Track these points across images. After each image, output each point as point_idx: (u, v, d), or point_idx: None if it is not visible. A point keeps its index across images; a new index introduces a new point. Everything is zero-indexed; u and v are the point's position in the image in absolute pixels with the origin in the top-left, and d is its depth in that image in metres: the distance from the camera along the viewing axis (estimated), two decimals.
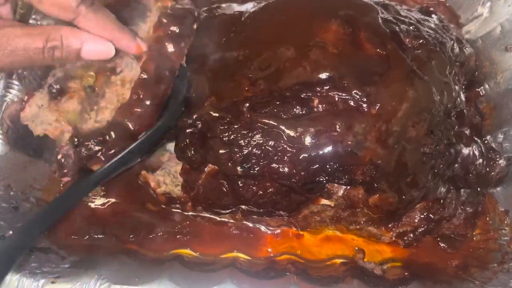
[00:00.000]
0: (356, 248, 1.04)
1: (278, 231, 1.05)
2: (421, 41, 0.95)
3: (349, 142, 0.84)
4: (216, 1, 1.06)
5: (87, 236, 1.00)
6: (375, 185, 0.89)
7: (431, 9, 1.09)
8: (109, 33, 0.79)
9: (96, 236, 1.00)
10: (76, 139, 0.83)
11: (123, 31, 0.83)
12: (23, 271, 0.83)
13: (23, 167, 0.95)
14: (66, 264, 0.89)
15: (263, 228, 1.05)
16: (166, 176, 0.98)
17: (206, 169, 0.92)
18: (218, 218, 1.04)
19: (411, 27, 0.96)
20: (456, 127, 0.99)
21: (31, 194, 0.96)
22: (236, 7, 1.04)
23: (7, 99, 0.93)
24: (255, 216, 0.98)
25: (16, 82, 0.94)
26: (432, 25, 1.03)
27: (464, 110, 1.02)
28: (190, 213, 1.04)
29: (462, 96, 1.01)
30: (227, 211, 0.98)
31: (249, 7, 1.04)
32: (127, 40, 0.84)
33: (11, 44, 0.69)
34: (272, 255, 1.02)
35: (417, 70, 0.90)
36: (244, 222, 1.04)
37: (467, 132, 1.01)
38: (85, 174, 0.83)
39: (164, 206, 1.03)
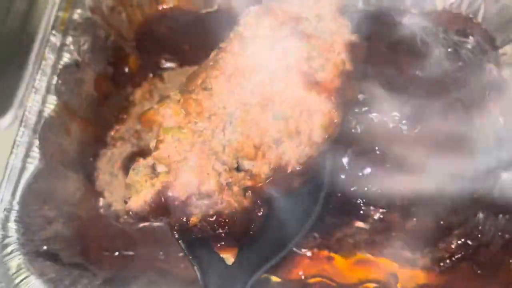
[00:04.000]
0: (390, 272, 1.02)
1: (309, 253, 1.03)
2: (460, 64, 0.94)
3: (388, 165, 0.83)
4: None
5: (117, 253, 1.00)
6: (413, 209, 0.87)
7: (468, 31, 1.07)
8: None
9: (126, 253, 1.00)
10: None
11: None
12: (57, 287, 0.83)
13: (58, 181, 0.95)
14: (98, 281, 0.89)
15: (294, 249, 1.03)
16: None
17: None
18: None
19: (449, 50, 0.96)
20: (495, 151, 0.97)
21: (64, 209, 0.96)
22: None
23: (45, 114, 0.93)
24: None
25: (54, 97, 0.95)
26: (470, 47, 1.02)
27: (503, 134, 1.00)
28: None
29: (501, 120, 1.00)
30: None
31: None
32: None
33: None
34: (303, 277, 1.00)
35: (456, 93, 0.88)
36: None
37: (506, 156, 0.99)
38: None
39: None
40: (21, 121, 0.93)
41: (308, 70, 0.69)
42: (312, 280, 1.00)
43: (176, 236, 0.69)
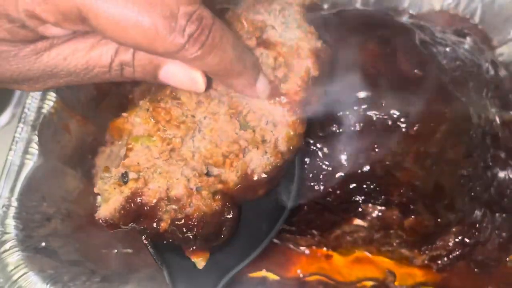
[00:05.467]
0: (387, 270, 1.02)
1: (307, 251, 1.04)
2: (458, 63, 0.94)
3: (387, 162, 0.84)
4: None
5: (116, 250, 1.00)
6: (411, 207, 0.87)
7: (465, 31, 1.08)
8: (219, 77, 0.60)
9: (124, 250, 1.00)
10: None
11: (242, 73, 0.61)
12: (56, 284, 0.83)
13: (57, 178, 0.95)
14: (97, 278, 0.88)
15: (292, 247, 1.03)
16: None
17: None
18: None
19: (447, 49, 0.96)
20: (492, 150, 0.98)
21: (63, 206, 0.96)
22: None
23: (44, 110, 0.93)
24: (287, 235, 0.97)
25: (53, 94, 0.95)
26: (467, 47, 1.03)
27: (499, 133, 1.01)
28: None
29: (498, 119, 1.01)
30: None
31: None
32: (244, 84, 0.63)
33: (71, 63, 0.54)
34: (301, 275, 1.01)
35: (455, 91, 0.89)
36: (273, 240, 1.03)
37: (503, 155, 1.00)
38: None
39: None
40: (20, 118, 0.92)
41: (274, 80, 0.70)
42: (310, 278, 1.00)
43: (145, 241, 0.70)
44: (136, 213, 0.65)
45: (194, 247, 0.69)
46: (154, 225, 0.66)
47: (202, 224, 0.66)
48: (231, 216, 0.67)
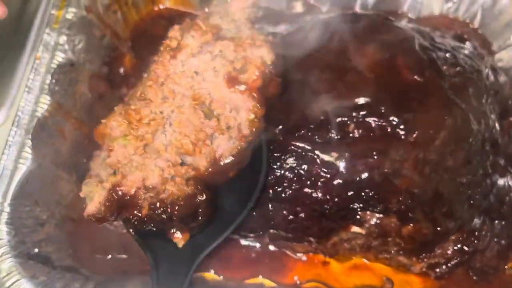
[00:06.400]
0: (385, 278, 1.01)
1: (304, 258, 1.02)
2: (458, 68, 0.93)
3: (385, 170, 0.83)
4: None
5: (110, 256, 0.98)
6: (410, 214, 0.86)
7: (465, 36, 1.07)
8: None
9: (119, 256, 0.99)
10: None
11: None
12: None
13: (50, 182, 0.94)
14: (91, 285, 0.87)
15: (289, 253, 1.02)
16: None
17: None
18: (244, 241, 1.02)
19: (447, 54, 0.95)
20: (491, 157, 0.97)
21: (56, 210, 0.94)
22: (269, 29, 1.04)
23: (38, 114, 0.92)
24: (282, 241, 0.95)
25: (47, 96, 0.94)
26: (467, 52, 1.02)
27: (499, 140, 1.00)
28: None
29: (497, 126, 1.00)
30: (255, 234, 0.96)
31: (281, 28, 1.04)
32: None
33: None
34: (298, 282, 0.99)
35: (455, 98, 0.88)
36: (270, 246, 1.02)
37: (502, 162, 0.99)
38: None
39: None
40: (14, 121, 0.91)
41: (232, 71, 0.80)
42: (307, 285, 0.99)
43: (130, 229, 0.81)
44: (119, 203, 0.74)
45: (174, 229, 0.78)
46: (136, 212, 0.74)
47: (176, 206, 0.74)
48: (204, 198, 0.75)
